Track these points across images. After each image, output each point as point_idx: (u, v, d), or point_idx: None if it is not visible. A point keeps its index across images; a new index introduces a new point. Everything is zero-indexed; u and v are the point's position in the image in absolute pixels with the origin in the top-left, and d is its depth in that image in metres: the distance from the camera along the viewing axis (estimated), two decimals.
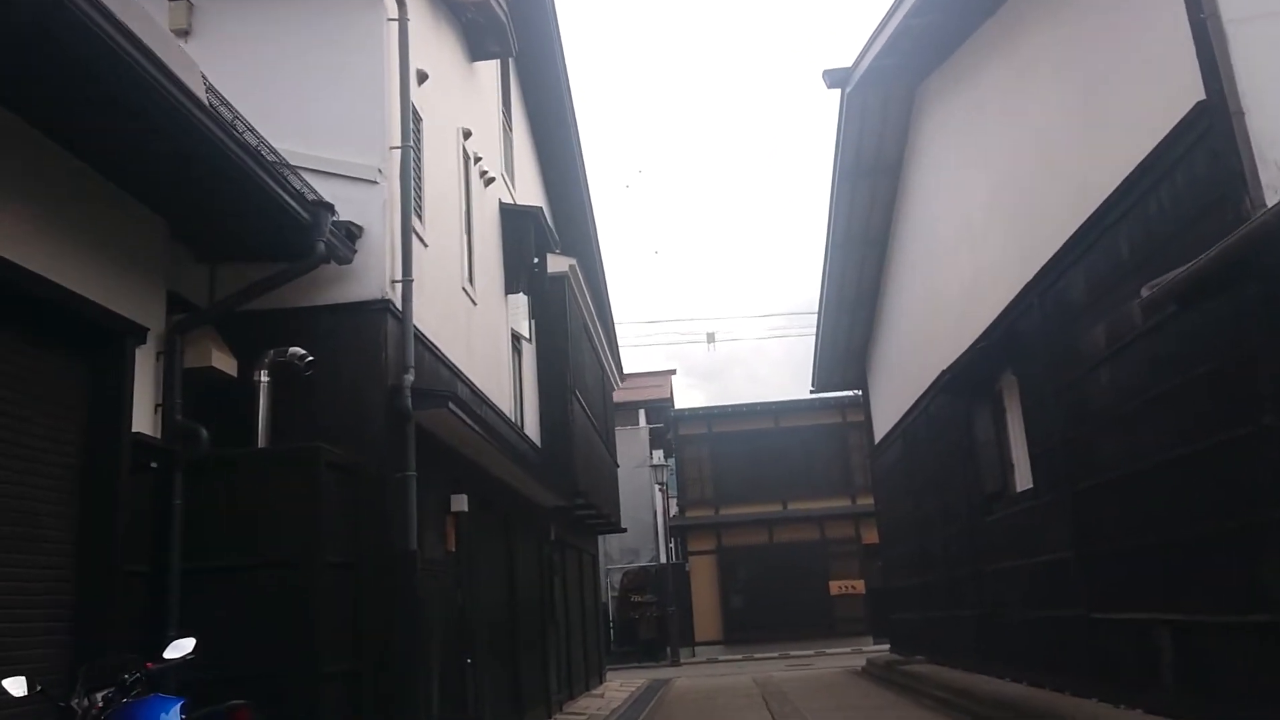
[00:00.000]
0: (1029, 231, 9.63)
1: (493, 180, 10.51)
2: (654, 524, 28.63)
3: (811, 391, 20.82)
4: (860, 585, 25.88)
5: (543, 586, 12.19)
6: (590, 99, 63.81)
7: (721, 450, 27.57)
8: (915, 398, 14.97)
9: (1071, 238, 8.35)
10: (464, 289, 9.03)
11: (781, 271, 75.70)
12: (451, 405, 6.54)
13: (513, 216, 11.21)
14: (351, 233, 6.55)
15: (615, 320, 20.16)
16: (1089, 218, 7.95)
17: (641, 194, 69.73)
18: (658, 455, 25.99)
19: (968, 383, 11.64)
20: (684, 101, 78.92)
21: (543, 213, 11.78)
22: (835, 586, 25.94)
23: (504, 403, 10.48)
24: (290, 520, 5.66)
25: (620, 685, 17.38)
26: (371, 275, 6.66)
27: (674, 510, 28.24)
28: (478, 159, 9.93)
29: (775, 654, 24.84)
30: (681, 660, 24.52)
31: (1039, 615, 9.90)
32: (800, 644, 25.41)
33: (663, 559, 26.54)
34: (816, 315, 18.98)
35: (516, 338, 11.71)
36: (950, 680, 12.04)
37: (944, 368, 12.79)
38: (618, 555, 28.70)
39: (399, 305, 6.70)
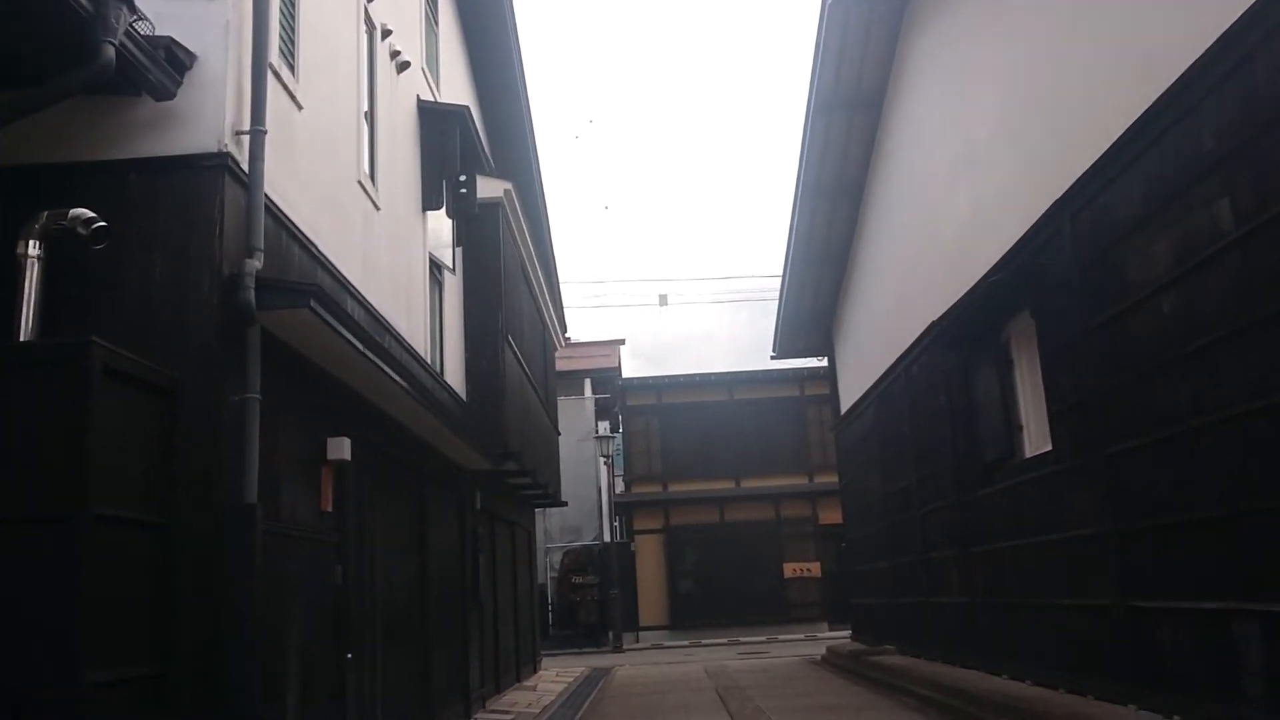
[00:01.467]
0: (1055, 145, 7.98)
1: (407, 66, 8.59)
2: (598, 501, 26.86)
3: (772, 357, 19.18)
4: (816, 568, 24.39)
5: (465, 563, 10.36)
6: (537, 40, 60.33)
7: (671, 423, 25.87)
8: (892, 359, 13.35)
9: (1125, 135, 6.69)
10: (361, 184, 7.13)
11: (741, 233, 73.03)
12: (315, 304, 4.67)
13: (434, 117, 9.30)
14: (176, 57, 4.63)
15: (561, 280, 18.30)
16: (1154, 103, 6.28)
17: (592, 146, 66.59)
18: (603, 427, 24.18)
19: (966, 333, 10.01)
20: (638, 44, 74.62)
21: (470, 115, 9.87)
22: (790, 569, 24.41)
23: (417, 340, 8.60)
24: (47, 453, 3.77)
25: (557, 675, 15.62)
26: (205, 120, 4.75)
27: (620, 487, 26.49)
28: (387, 32, 8.00)
29: (724, 640, 23.28)
30: (624, 646, 22.84)
31: (1052, 602, 8.31)
32: (751, 630, 23.88)
33: (606, 538, 24.80)
34: (781, 272, 17.30)
35: (437, 266, 9.83)
36: (933, 675, 10.45)
37: (932, 319, 11.17)
38: (558, 533, 26.90)
39: (244, 164, 4.80)
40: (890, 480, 13.84)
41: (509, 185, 11.23)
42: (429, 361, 9.19)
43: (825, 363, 19.65)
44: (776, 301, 18.51)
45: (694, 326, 66.64)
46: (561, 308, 18.06)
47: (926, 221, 11.83)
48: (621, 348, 29.26)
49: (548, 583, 25.78)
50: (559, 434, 17.75)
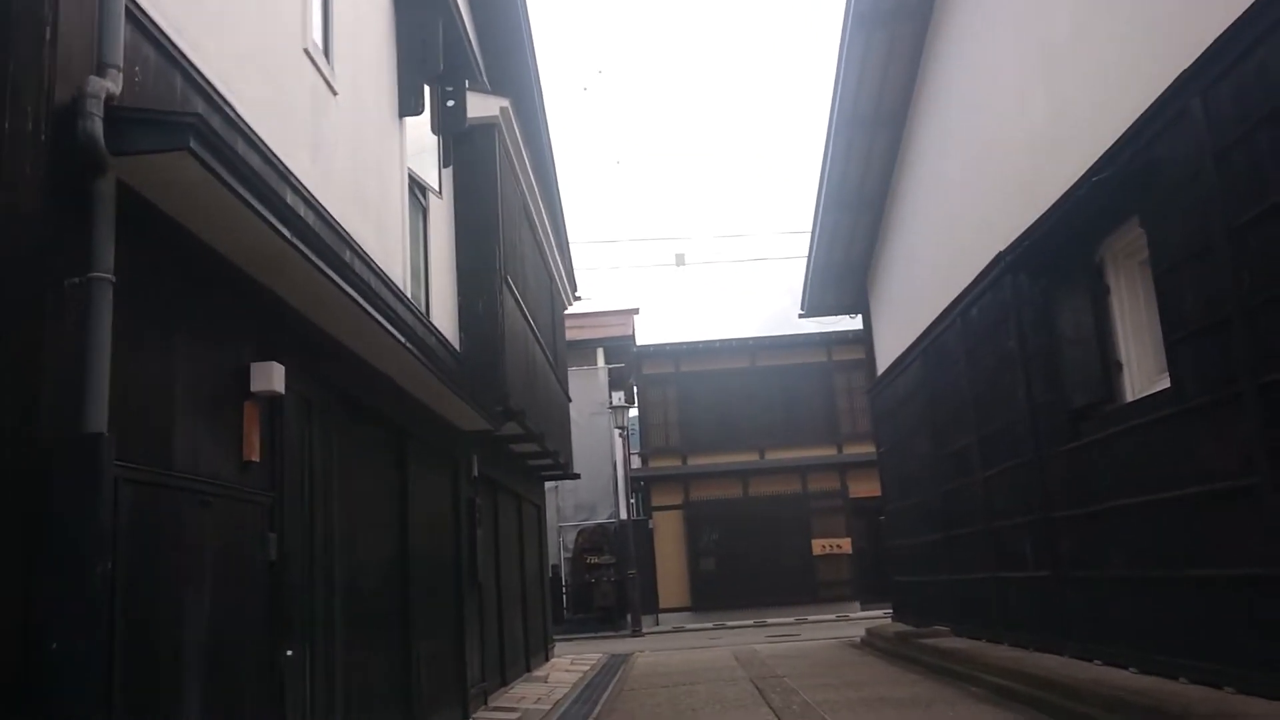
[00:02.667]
0: (1173, 7, 6.42)
1: None
2: (613, 476, 25.40)
3: (801, 316, 17.61)
4: (847, 544, 22.90)
5: (460, 538, 8.90)
6: None
7: (690, 392, 24.36)
8: (943, 305, 11.80)
9: None
10: (309, 56, 5.62)
11: (763, 187, 70.09)
12: (198, 145, 3.17)
13: (411, 3, 7.76)
14: None
15: (570, 239, 16.78)
16: None
17: (601, 98, 64.08)
18: (618, 398, 22.69)
19: (1047, 258, 8.45)
20: None
21: (456, 6, 8.33)
22: (819, 546, 22.93)
23: (393, 267, 7.12)
24: None
25: (571, 664, 14.20)
26: None
27: (636, 462, 25.03)
28: None
29: (750, 622, 21.85)
30: (644, 630, 21.43)
31: (1171, 575, 6.79)
32: (778, 611, 22.44)
33: (623, 515, 23.35)
34: (811, 221, 15.73)
35: (420, 187, 8.32)
36: (1006, 661, 8.96)
37: (999, 250, 9.62)
38: (572, 512, 25.48)
39: None
40: (942, 443, 12.30)
41: (505, 102, 9.70)
42: (410, 298, 7.71)
43: (857, 323, 18.13)
44: (805, 256, 16.97)
45: (713, 289, 64.31)
46: (570, 262, 16.55)
47: (988, 143, 10.25)
48: (636, 316, 27.68)
49: (561, 563, 24.39)
50: (570, 400, 16.27)
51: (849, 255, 16.03)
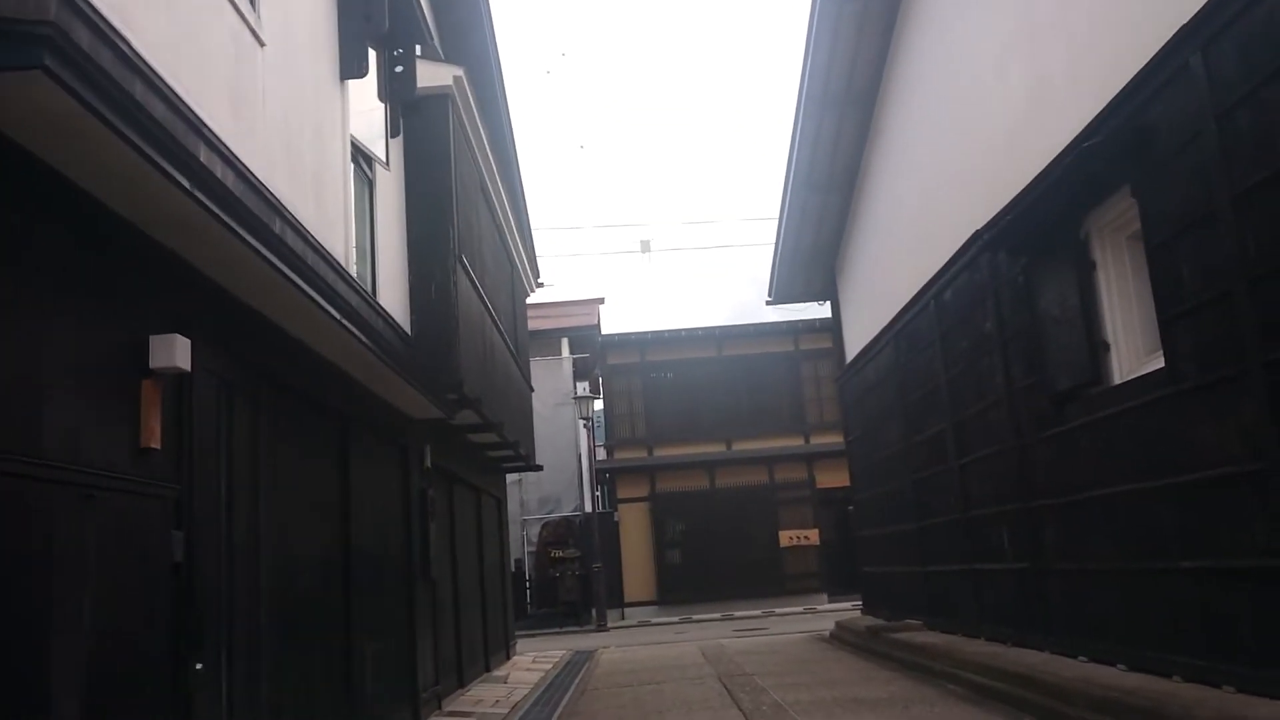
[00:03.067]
0: None
1: None
2: (578, 469, 24.90)
3: (768, 303, 17.18)
4: (814, 535, 22.57)
5: (410, 533, 8.36)
6: None
7: (656, 382, 23.90)
8: (916, 289, 11.41)
9: None
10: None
11: (729, 174, 69.40)
12: (52, 63, 2.62)
13: None
14: None
15: (533, 225, 16.22)
16: None
17: (564, 82, 63.03)
18: (582, 388, 22.18)
19: (1029, 235, 8.05)
20: None
21: None
22: (786, 537, 22.58)
23: (333, 241, 6.55)
24: None
25: (533, 662, 13.70)
26: None
27: (601, 454, 24.54)
28: None
29: (717, 615, 21.47)
30: (609, 624, 20.98)
31: (1164, 567, 6.41)
32: (745, 603, 22.07)
33: (588, 508, 22.87)
34: (780, 204, 15.29)
35: (365, 157, 7.75)
36: (984, 657, 8.58)
37: (976, 229, 9.23)
38: (536, 505, 24.95)
39: None
40: (915, 429, 11.92)
41: (459, 71, 9.14)
42: (355, 277, 7.15)
43: (824, 311, 17.78)
44: (772, 243, 16.55)
45: (679, 277, 63.60)
46: (532, 247, 15.99)
47: (964, 118, 9.85)
48: (601, 306, 27.15)
49: (525, 557, 23.87)
50: (532, 390, 15.74)
51: (818, 239, 15.62)
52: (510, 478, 24.50)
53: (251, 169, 5.05)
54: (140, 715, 3.61)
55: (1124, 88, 6.48)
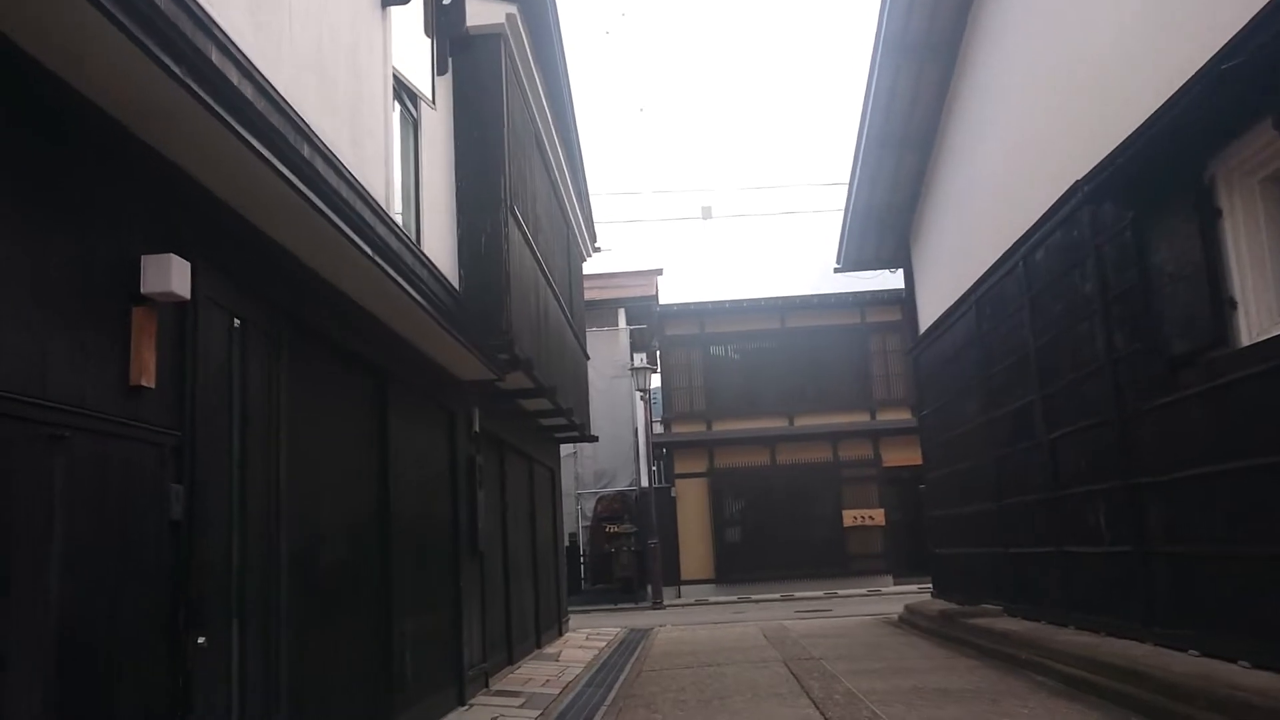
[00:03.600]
0: None
1: None
2: (634, 442, 24.36)
3: (836, 270, 16.37)
4: (880, 516, 21.76)
5: (457, 501, 7.83)
6: None
7: (716, 354, 23.21)
8: (1001, 251, 10.57)
9: None
10: None
11: (795, 137, 66.81)
12: None
13: None
14: None
15: (590, 189, 15.58)
16: None
17: (624, 42, 61.38)
18: (640, 359, 21.58)
19: (1139, 182, 7.21)
20: None
21: None
22: (849, 517, 21.80)
23: (374, 183, 6.00)
24: None
25: (587, 639, 13.19)
26: None
27: (659, 428, 23.95)
28: None
29: (777, 596, 20.83)
30: (665, 602, 20.44)
31: None
32: (806, 584, 21.39)
33: (644, 483, 22.32)
34: (852, 163, 14.47)
35: (409, 94, 7.18)
36: (1077, 648, 7.83)
37: (1076, 179, 8.38)
38: (591, 478, 24.49)
39: None
40: (996, 403, 11.11)
41: (513, 8, 8.52)
42: (397, 224, 6.61)
43: (893, 282, 16.95)
44: (841, 209, 15.75)
45: (741, 246, 61.79)
46: (589, 210, 15.38)
47: (1060, 62, 8.99)
48: (659, 277, 26.46)
49: (579, 532, 23.43)
50: (588, 358, 15.18)
51: (891, 201, 14.77)
52: (565, 450, 24.03)
53: (277, 87, 4.49)
54: (126, 697, 3.08)
55: (1260, 10, 5.64)
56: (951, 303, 12.83)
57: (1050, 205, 9.10)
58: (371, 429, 5.93)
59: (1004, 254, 10.55)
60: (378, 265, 5.04)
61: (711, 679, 8.63)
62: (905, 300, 15.53)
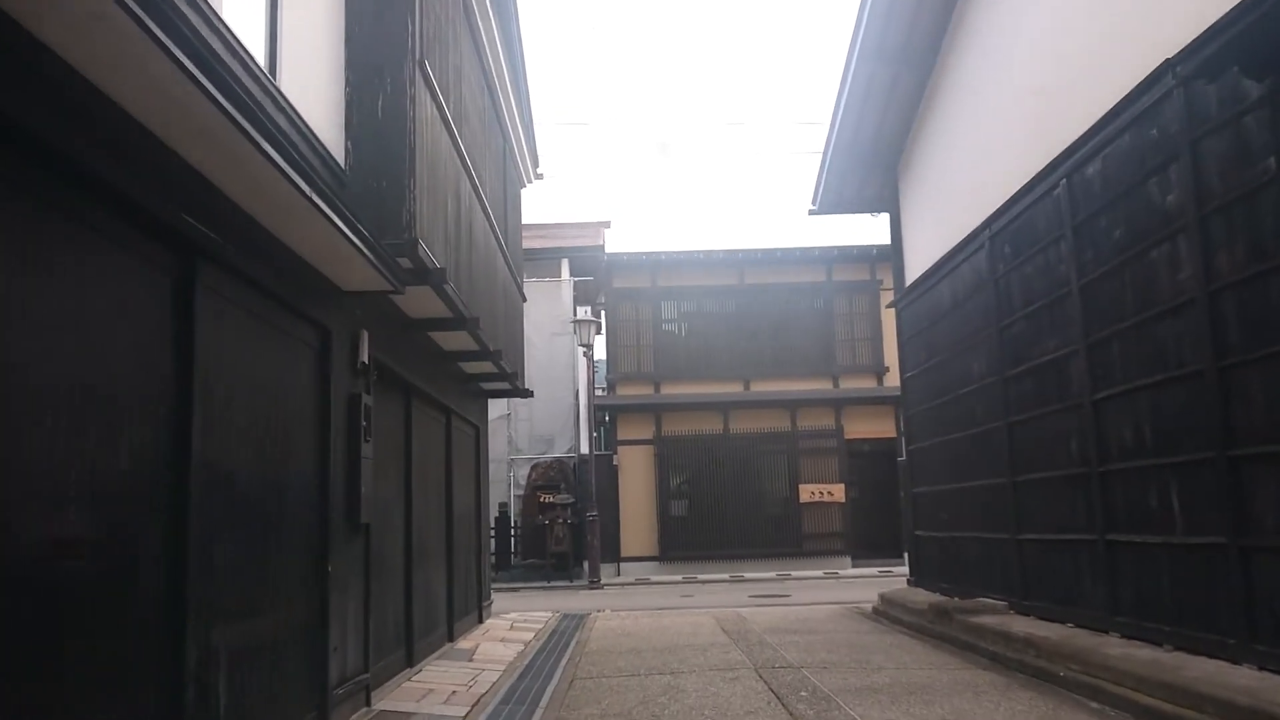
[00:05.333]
0: None
1: None
2: (575, 405, 22.27)
3: (811, 212, 14.38)
4: (839, 492, 19.98)
5: (330, 455, 5.66)
6: None
7: (668, 311, 21.15)
8: (1033, 171, 8.65)
9: None
10: None
11: (765, 66, 62.34)
12: None
13: None
14: None
15: (533, 111, 13.32)
16: None
17: None
18: (584, 312, 19.42)
19: (1265, 48, 5.28)
20: None
21: None
22: (807, 492, 19.99)
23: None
24: None
25: (511, 628, 11.12)
26: None
27: (603, 391, 21.87)
28: None
29: (725, 576, 18.98)
30: (603, 581, 18.45)
31: None
32: (757, 564, 19.58)
33: (584, 449, 20.25)
34: (840, 79, 12.44)
35: None
36: (1145, 667, 5.98)
37: (1167, 57, 6.43)
38: (527, 444, 22.36)
39: None
40: (1014, 358, 9.23)
41: None
42: (247, 55, 4.39)
43: (864, 237, 15.35)
44: (820, 151, 13.80)
45: (700, 193, 57.98)
46: (531, 124, 13.14)
47: None
48: (608, 230, 24.26)
49: (511, 502, 21.32)
50: (524, 299, 13.02)
51: (880, 130, 12.80)
52: (497, 411, 21.89)
53: None
54: None
55: None
56: (951, 246, 10.92)
57: (1115, 103, 7.16)
58: (161, 331, 3.74)
59: (1035, 176, 8.62)
60: (183, 69, 2.86)
61: (667, 696, 6.61)
62: (892, 248, 13.60)
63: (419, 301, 7.16)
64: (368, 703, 6.19)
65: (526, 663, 8.47)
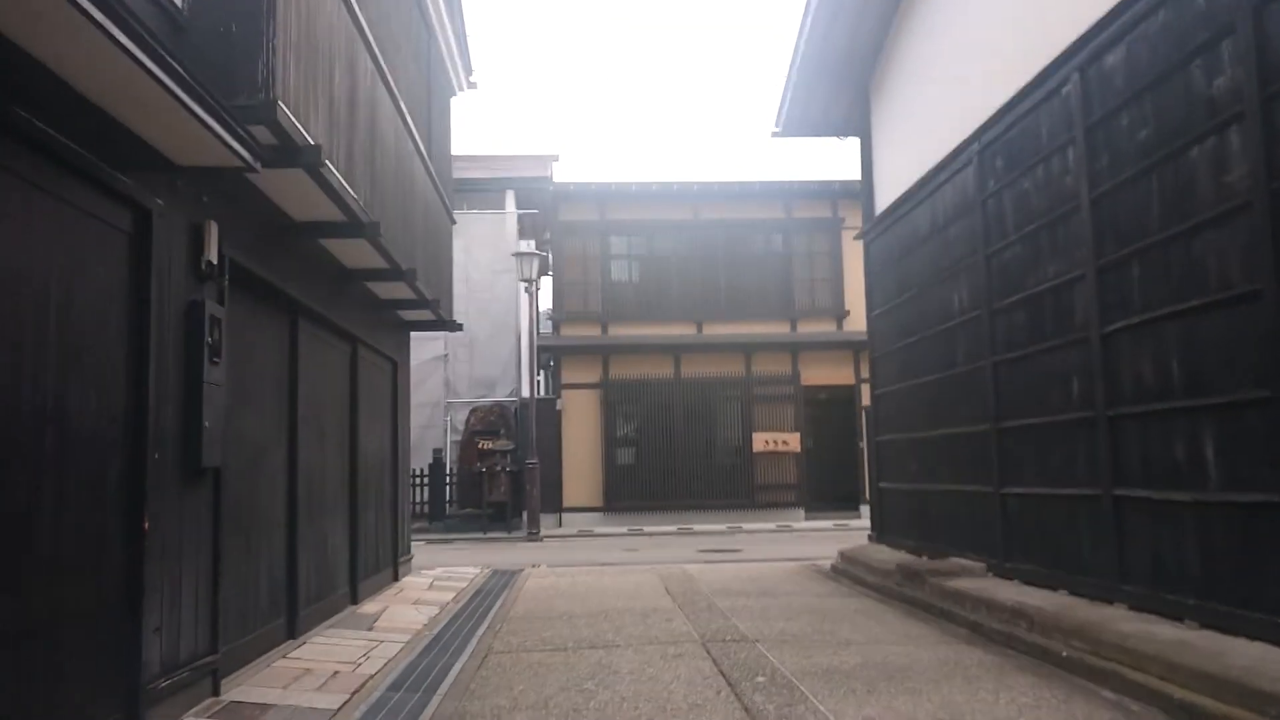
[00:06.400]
0: None
1: None
2: (517, 347, 20.95)
3: (775, 134, 13.08)
4: (794, 441, 18.94)
5: (143, 379, 4.31)
6: None
7: (617, 247, 19.78)
8: (1038, 67, 7.42)
9: None
10: None
11: None
12: None
13: None
14: None
15: (471, 27, 11.77)
16: None
17: None
18: (528, 245, 17.96)
19: None
20: None
21: None
22: (761, 441, 18.91)
23: None
24: None
25: (430, 586, 9.91)
26: None
27: (547, 331, 20.54)
28: None
29: (673, 528, 17.92)
30: (542, 533, 17.27)
31: None
32: (707, 515, 18.54)
33: (526, 393, 18.96)
34: None
35: None
36: (1170, 650, 4.91)
37: None
38: (467, 387, 21.05)
39: None
40: (1004, 288, 8.09)
41: None
42: None
43: (823, 173, 13.96)
44: (775, 70, 12.44)
45: (653, 121, 55.73)
46: (464, 31, 11.63)
47: None
48: (555, 164, 22.73)
49: (447, 448, 20.03)
50: (454, 221, 11.62)
51: (854, 41, 11.50)
52: (433, 351, 20.50)
53: None
54: None
55: None
56: (931, 166, 9.73)
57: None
58: None
59: (1038, 76, 7.41)
60: None
61: (595, 681, 5.43)
62: (861, 174, 12.36)
63: (298, 195, 5.80)
64: (215, 692, 4.92)
65: (437, 631, 7.25)
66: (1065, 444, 7.11)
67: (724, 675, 5.47)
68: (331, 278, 7.57)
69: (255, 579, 5.82)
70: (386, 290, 8.90)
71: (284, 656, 6.00)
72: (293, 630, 6.51)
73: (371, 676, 5.68)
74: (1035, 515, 7.62)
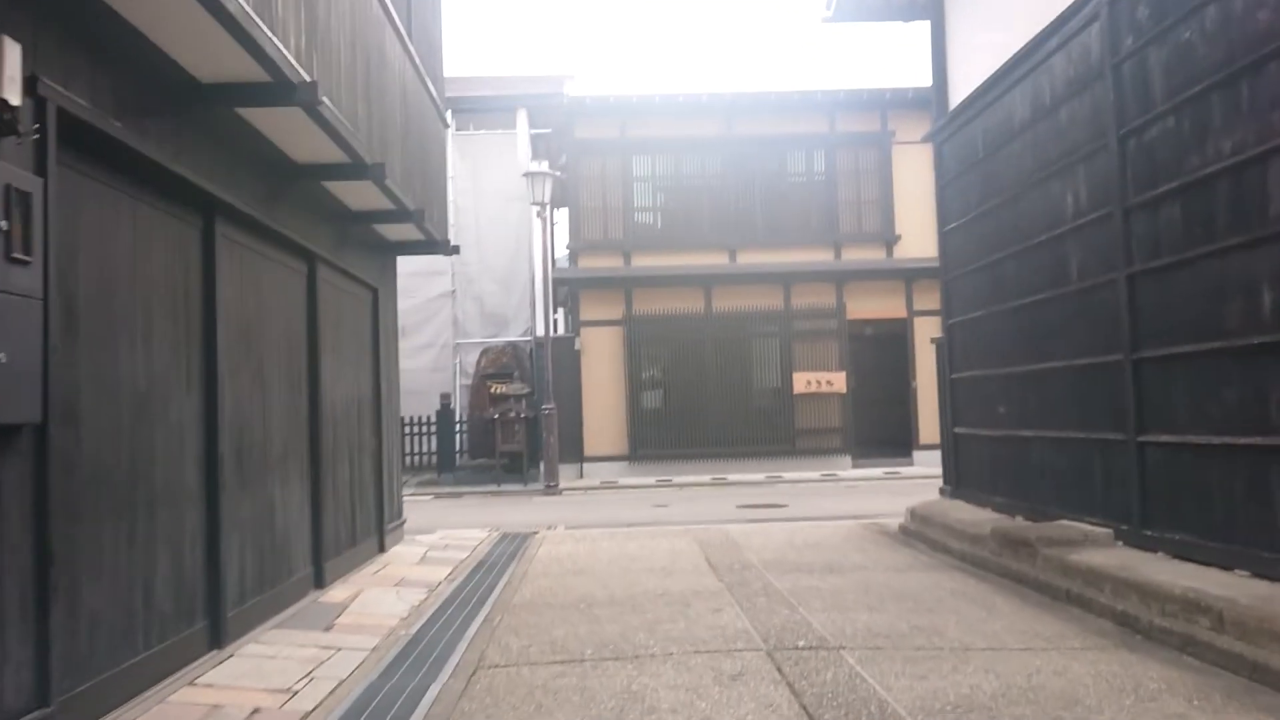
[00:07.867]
0: None
1: None
2: (531, 281, 19.19)
3: (826, 20, 11.10)
4: (839, 381, 17.12)
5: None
6: None
7: (640, 167, 17.82)
8: None
9: None
10: None
11: None
12: None
13: None
14: None
15: None
16: None
17: None
18: (541, 165, 16.06)
19: None
20: None
21: None
22: (802, 381, 17.11)
23: None
24: None
25: (423, 559, 8.27)
26: None
27: (564, 263, 18.72)
28: None
29: (706, 479, 16.25)
30: (561, 486, 15.64)
31: None
32: (743, 464, 16.86)
33: (541, 331, 17.21)
34: None
35: None
36: None
37: None
38: (478, 326, 19.36)
39: None
40: (1144, 182, 6.21)
41: None
42: None
43: (872, 81, 11.85)
44: None
45: (679, 27, 52.77)
46: None
47: None
48: (570, 81, 20.66)
49: (456, 393, 18.41)
50: (447, 126, 9.78)
51: None
52: (440, 287, 18.80)
53: None
54: None
55: None
56: (1033, 36, 7.80)
57: None
58: None
59: None
60: None
61: (625, 713, 3.73)
62: (932, 65, 10.38)
63: (192, 36, 4.01)
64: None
65: (416, 629, 5.59)
66: (1244, 379, 5.30)
67: (809, 714, 3.76)
68: (270, 173, 5.80)
69: (143, 578, 4.15)
70: (353, 196, 7.11)
71: (191, 683, 4.34)
72: (218, 637, 4.87)
73: (306, 717, 4.01)
74: (1193, 471, 5.83)
